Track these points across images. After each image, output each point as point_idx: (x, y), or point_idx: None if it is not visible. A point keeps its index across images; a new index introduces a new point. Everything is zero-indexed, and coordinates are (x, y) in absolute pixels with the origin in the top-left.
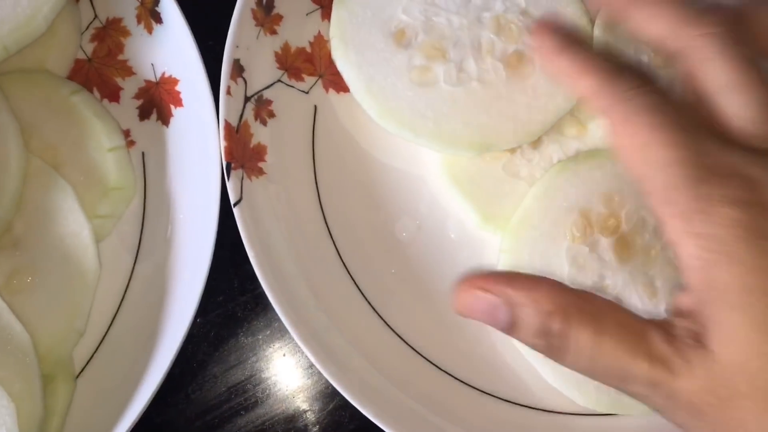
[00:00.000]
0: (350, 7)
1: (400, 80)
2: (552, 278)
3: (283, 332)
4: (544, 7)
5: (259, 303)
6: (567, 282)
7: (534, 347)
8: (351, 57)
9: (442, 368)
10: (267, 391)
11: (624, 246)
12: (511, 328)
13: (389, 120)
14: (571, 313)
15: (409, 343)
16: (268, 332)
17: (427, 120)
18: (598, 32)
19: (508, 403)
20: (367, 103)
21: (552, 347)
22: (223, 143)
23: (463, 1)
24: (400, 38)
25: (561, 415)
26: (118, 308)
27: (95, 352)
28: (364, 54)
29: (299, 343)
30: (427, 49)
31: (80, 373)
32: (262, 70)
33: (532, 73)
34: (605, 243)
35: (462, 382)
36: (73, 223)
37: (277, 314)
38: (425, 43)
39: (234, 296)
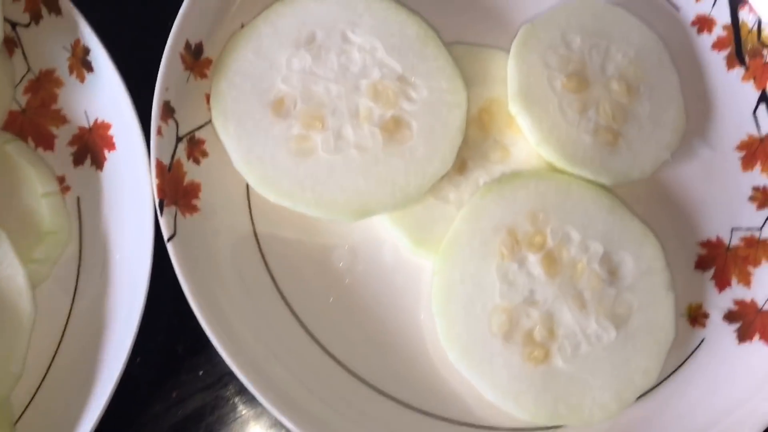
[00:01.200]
0: (230, 77)
1: (279, 150)
2: None
3: (225, 366)
4: (421, 72)
5: (200, 339)
6: (498, 299)
7: None
8: (230, 128)
9: (384, 391)
10: (211, 427)
11: (551, 261)
12: None
13: (268, 190)
14: None
15: (350, 368)
16: (210, 367)
17: (305, 189)
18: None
19: (447, 421)
20: (246, 174)
21: None
22: (155, 181)
23: (341, 69)
24: (279, 108)
25: (501, 431)
26: (56, 351)
27: (33, 396)
28: (244, 125)
29: (238, 375)
30: (305, 118)
31: (19, 417)
32: (194, 112)
33: (410, 137)
34: (533, 259)
35: (403, 403)
36: (8, 267)
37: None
38: (304, 111)
39: (175, 334)
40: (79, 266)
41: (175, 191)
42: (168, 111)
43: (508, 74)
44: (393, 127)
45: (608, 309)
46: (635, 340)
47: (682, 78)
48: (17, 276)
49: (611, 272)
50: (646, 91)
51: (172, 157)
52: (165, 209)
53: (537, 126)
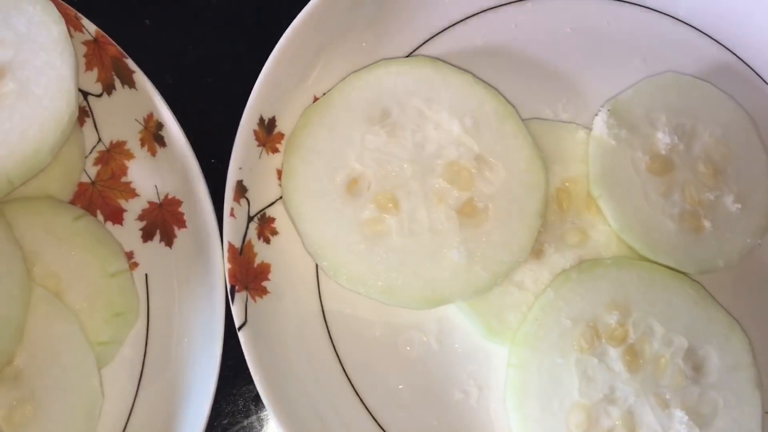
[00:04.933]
0: (302, 155)
1: (352, 233)
2: None
3: None
4: (499, 151)
5: (264, 425)
6: (577, 396)
7: None
8: (302, 209)
9: None
10: None
11: (633, 356)
12: None
13: (340, 275)
14: None
15: None
16: None
17: (378, 275)
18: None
19: None
20: (318, 258)
21: None
22: (227, 266)
23: (416, 147)
24: (352, 187)
25: None
26: None
27: None
28: (316, 205)
29: None
30: (379, 200)
31: None
32: (265, 188)
33: (485, 221)
34: (614, 353)
35: None
36: (76, 351)
37: None
38: (377, 193)
39: (238, 419)
40: (145, 348)
41: (246, 275)
42: (241, 191)
43: (590, 154)
44: (469, 210)
45: (692, 408)
46: None
47: None
48: (86, 360)
49: (695, 368)
50: (734, 171)
51: (244, 238)
52: (237, 295)
53: (620, 210)
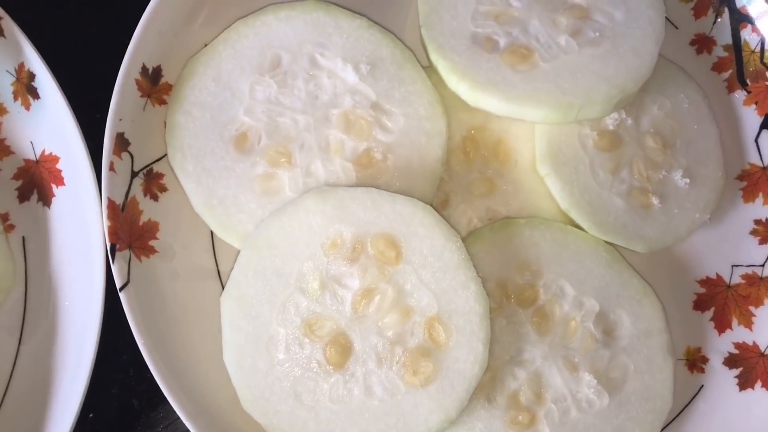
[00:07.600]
0: (187, 109)
1: (243, 191)
2: None
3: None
4: (397, 98)
5: (159, 391)
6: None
7: None
8: (189, 168)
9: None
10: None
11: (542, 318)
12: None
13: (232, 235)
14: None
15: None
16: (169, 423)
17: None
18: None
19: None
20: (207, 219)
21: None
22: (106, 223)
23: (309, 98)
24: (242, 143)
25: None
26: None
27: None
28: (204, 163)
29: None
30: (271, 155)
31: None
32: (152, 142)
33: (385, 171)
34: (523, 315)
35: None
36: None
37: None
38: (269, 147)
39: (130, 386)
40: (24, 312)
41: (130, 233)
42: (122, 144)
43: (536, 131)
44: (366, 161)
45: (602, 372)
46: (629, 408)
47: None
48: None
49: (606, 332)
50: (683, 145)
51: (127, 194)
52: (117, 254)
53: (567, 189)
